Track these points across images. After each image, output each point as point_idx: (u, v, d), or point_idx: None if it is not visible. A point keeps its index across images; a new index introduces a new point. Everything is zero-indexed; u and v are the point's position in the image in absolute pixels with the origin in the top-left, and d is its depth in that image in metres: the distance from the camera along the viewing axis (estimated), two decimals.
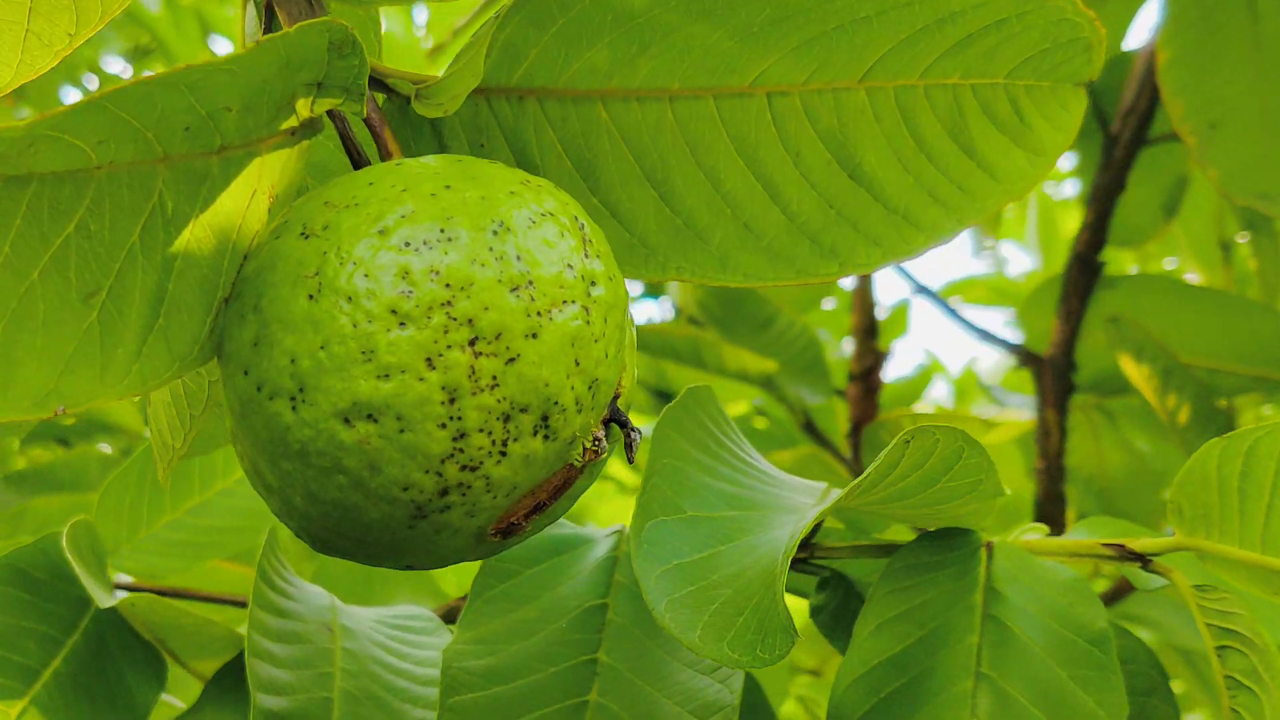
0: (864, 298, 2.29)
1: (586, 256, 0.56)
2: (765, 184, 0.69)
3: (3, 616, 0.91)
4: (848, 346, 2.70)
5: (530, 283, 0.54)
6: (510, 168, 0.58)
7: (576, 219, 0.57)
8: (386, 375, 0.52)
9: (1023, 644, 0.73)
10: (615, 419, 0.58)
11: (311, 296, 0.53)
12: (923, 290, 2.03)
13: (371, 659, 0.96)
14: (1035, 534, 0.81)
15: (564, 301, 0.54)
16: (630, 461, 0.58)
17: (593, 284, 0.56)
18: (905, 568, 0.78)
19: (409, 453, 0.53)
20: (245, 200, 0.59)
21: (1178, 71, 1.36)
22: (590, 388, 0.55)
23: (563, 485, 0.58)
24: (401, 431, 0.53)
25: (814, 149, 0.69)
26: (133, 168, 0.56)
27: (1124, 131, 1.64)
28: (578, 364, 0.54)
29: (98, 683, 0.97)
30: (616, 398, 0.58)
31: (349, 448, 0.53)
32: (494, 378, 0.53)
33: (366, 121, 0.62)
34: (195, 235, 0.58)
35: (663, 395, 2.19)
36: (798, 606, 0.93)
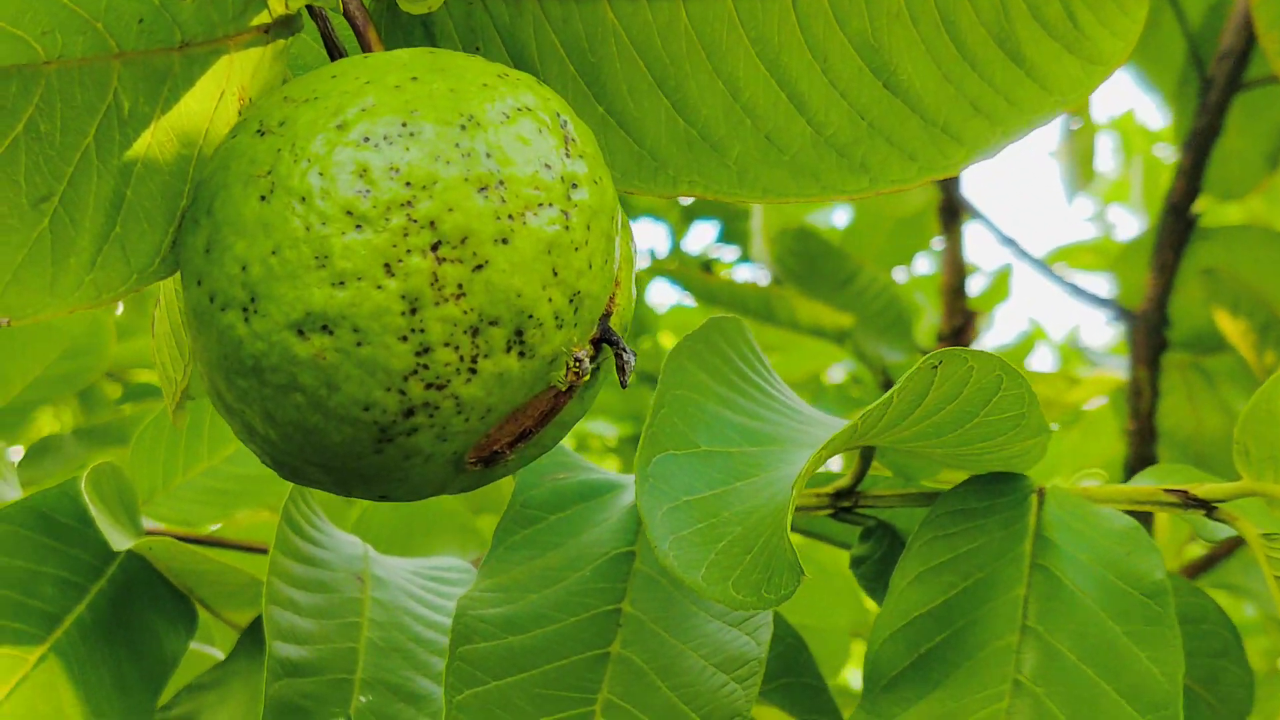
0: (954, 257, 2.22)
1: (568, 156, 0.51)
2: (790, 93, 0.63)
3: (20, 561, 0.89)
4: None
5: (501, 183, 0.49)
6: (487, 61, 0.53)
7: (559, 115, 0.52)
8: (341, 282, 0.48)
9: (1073, 596, 0.68)
10: (605, 338, 0.53)
11: (263, 197, 0.49)
12: (1022, 254, 1.96)
13: (402, 610, 0.93)
14: (1093, 480, 0.75)
15: (539, 204, 0.49)
16: (623, 385, 0.53)
17: (574, 186, 0.51)
18: (949, 514, 0.72)
19: (368, 368, 0.48)
20: (212, 102, 0.55)
21: (1271, 6, 1.27)
22: (572, 301, 0.51)
23: (549, 411, 0.53)
24: (359, 345, 0.48)
25: (844, 55, 0.64)
26: (85, 64, 0.52)
27: (1219, 75, 1.56)
28: (555, 274, 0.50)
29: (124, 631, 0.94)
30: (607, 315, 0.53)
31: (303, 362, 0.48)
32: (459, 286, 0.48)
33: (348, 18, 0.58)
34: (156, 138, 0.54)
35: None
36: (842, 559, 0.88)
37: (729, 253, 3.66)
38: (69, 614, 0.90)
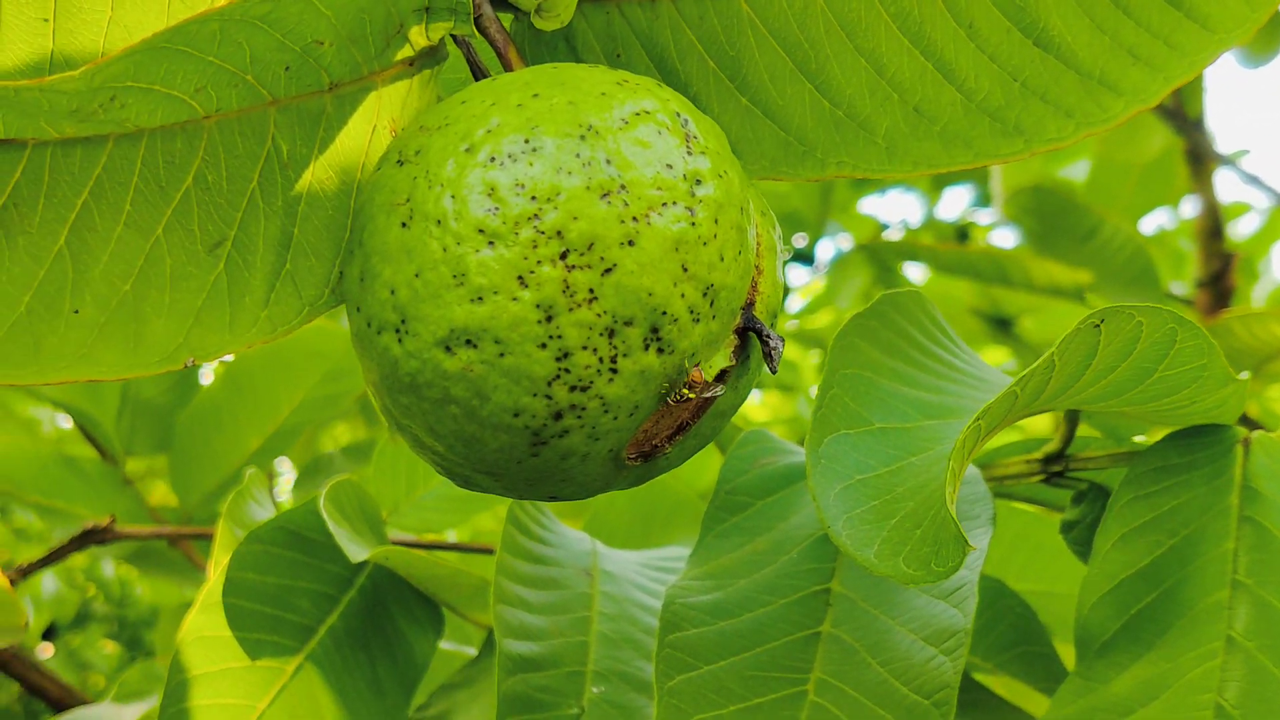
0: (1206, 199, 2.14)
1: (689, 154, 0.52)
2: (936, 62, 0.63)
3: (274, 578, 0.94)
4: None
5: (623, 187, 0.50)
6: (609, 69, 0.55)
7: (679, 115, 0.53)
8: (480, 298, 0.50)
9: None
10: (749, 327, 0.54)
11: (404, 224, 0.52)
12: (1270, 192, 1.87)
13: (631, 601, 0.95)
14: None
15: (663, 204, 0.51)
16: (772, 371, 0.54)
17: (698, 183, 0.52)
18: (1150, 471, 0.70)
19: (513, 377, 0.51)
20: (366, 137, 0.58)
21: None
22: (706, 294, 0.52)
23: (703, 403, 0.54)
24: (502, 355, 0.50)
25: (990, 18, 0.63)
26: (243, 115, 0.55)
27: None
28: (685, 270, 0.51)
29: (377, 637, 0.99)
30: (750, 305, 0.54)
31: (454, 376, 0.51)
32: (590, 291, 0.50)
33: (490, 40, 0.60)
34: (316, 176, 0.57)
35: (995, 321, 2.10)
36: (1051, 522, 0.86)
37: (985, 216, 3.59)
38: (323, 624, 0.96)
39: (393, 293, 0.52)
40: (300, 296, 0.57)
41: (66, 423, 2.58)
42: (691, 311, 0.51)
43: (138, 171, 0.54)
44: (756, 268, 0.55)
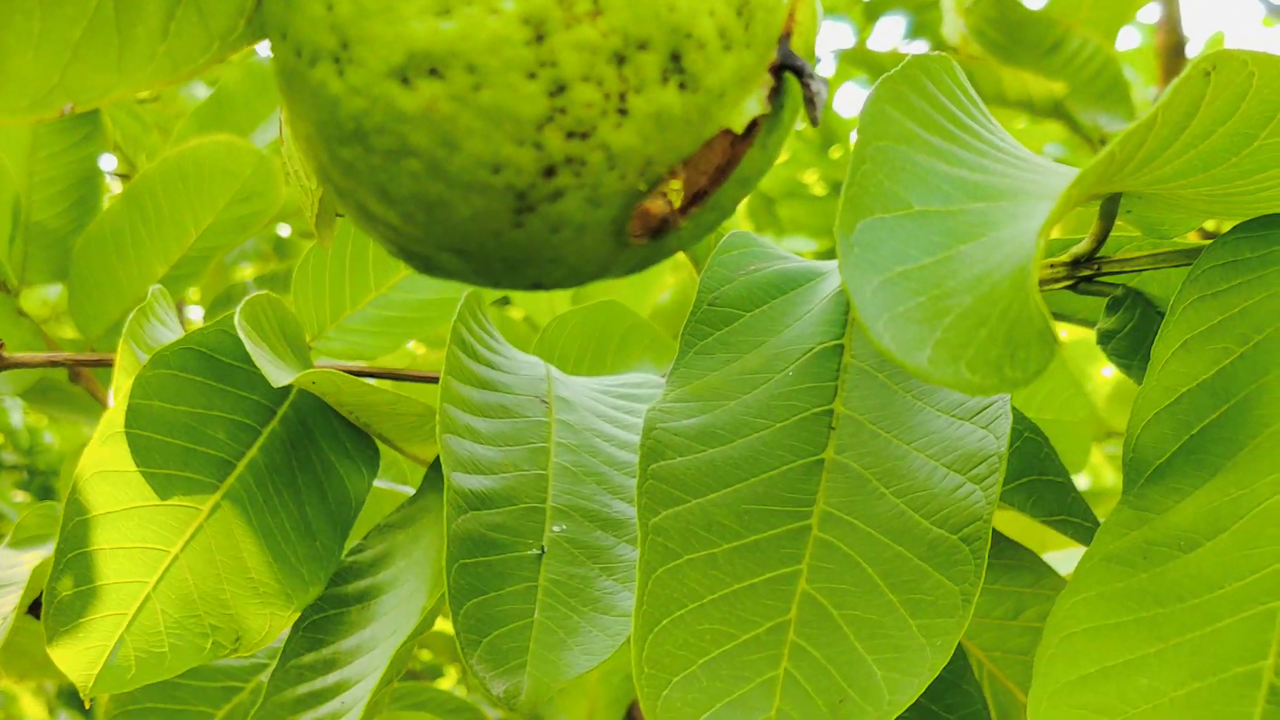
0: (1170, 19, 2.04)
1: None
2: None
3: (185, 406, 0.83)
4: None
5: None
6: None
7: None
8: (447, 10, 0.38)
9: None
10: (787, 64, 0.42)
11: None
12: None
13: (592, 431, 0.84)
14: None
15: None
16: (814, 122, 0.43)
17: None
18: (1218, 268, 0.60)
19: (492, 118, 0.39)
20: None
21: None
22: (741, 14, 0.40)
23: (726, 163, 0.43)
24: (477, 88, 0.38)
25: None
26: None
27: None
28: None
29: (303, 472, 0.88)
30: (788, 36, 0.43)
31: (413, 118, 0.39)
32: (594, 1, 0.38)
33: None
34: None
35: None
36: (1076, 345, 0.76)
37: (919, 48, 3.48)
38: (241, 459, 0.85)
39: (329, 8, 0.39)
40: (207, 27, 0.45)
41: None
42: (721, 35, 0.40)
43: None
44: None
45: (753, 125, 0.43)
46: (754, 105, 0.42)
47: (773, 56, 0.42)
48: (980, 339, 0.47)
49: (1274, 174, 0.56)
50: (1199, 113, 0.49)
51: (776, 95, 0.43)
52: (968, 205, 0.54)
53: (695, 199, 0.43)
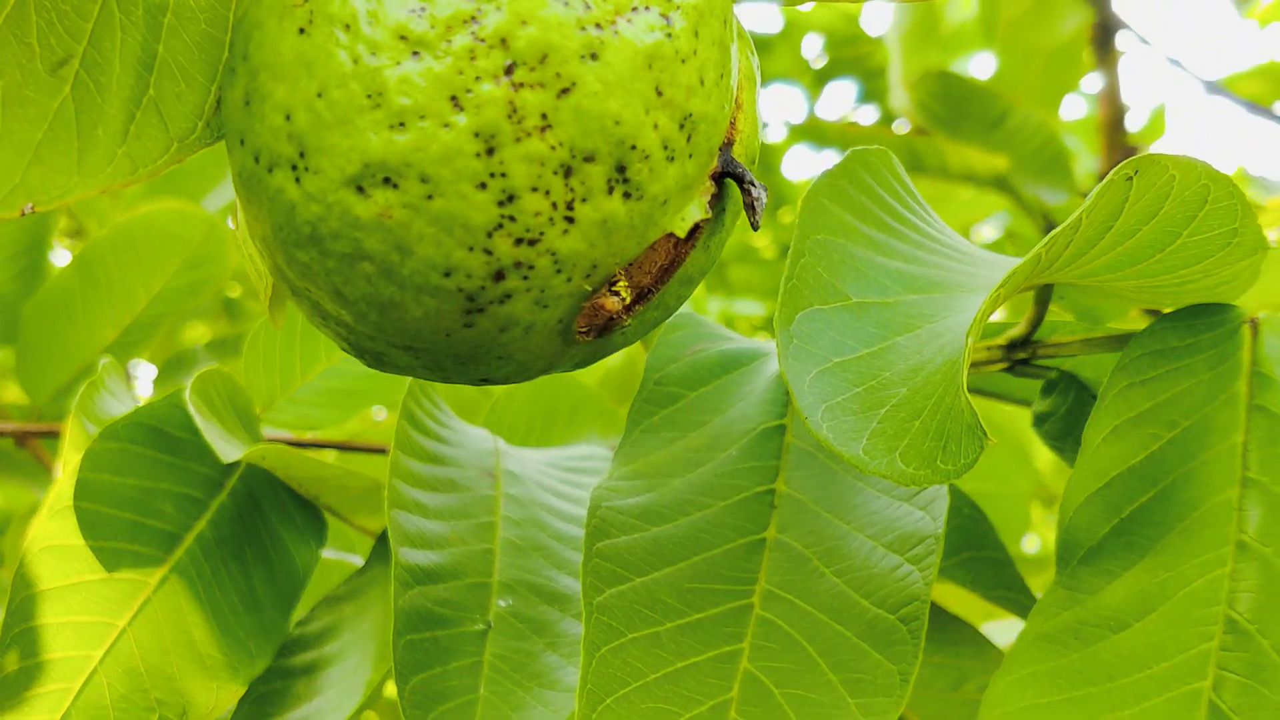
0: (1111, 88, 2.08)
1: None
2: None
3: (134, 480, 0.83)
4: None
5: None
6: None
7: None
8: (401, 124, 0.39)
9: None
10: (728, 171, 0.44)
11: (302, 30, 0.41)
12: (1190, 76, 1.81)
13: (539, 504, 0.86)
14: None
15: (633, 8, 0.40)
16: (754, 226, 0.44)
17: None
18: (1146, 356, 0.62)
19: (443, 225, 0.40)
20: None
21: None
22: (683, 126, 0.42)
23: (670, 264, 0.45)
24: (429, 198, 0.40)
25: None
26: None
27: None
28: (660, 93, 0.41)
29: (250, 545, 0.88)
30: (729, 144, 0.44)
31: (368, 225, 0.40)
32: (543, 116, 0.39)
33: None
34: None
35: None
36: (1021, 415, 0.78)
37: (868, 113, 3.52)
38: (189, 532, 0.85)
39: (288, 118, 0.41)
40: (167, 130, 0.46)
41: None
42: (665, 146, 0.41)
43: None
44: (735, 100, 0.45)
45: (695, 229, 0.44)
46: (696, 211, 0.44)
47: (714, 164, 0.44)
48: (914, 431, 0.48)
49: (1197, 269, 0.58)
50: (1123, 213, 0.51)
51: (718, 200, 0.45)
52: (903, 297, 0.56)
53: (640, 298, 0.45)
